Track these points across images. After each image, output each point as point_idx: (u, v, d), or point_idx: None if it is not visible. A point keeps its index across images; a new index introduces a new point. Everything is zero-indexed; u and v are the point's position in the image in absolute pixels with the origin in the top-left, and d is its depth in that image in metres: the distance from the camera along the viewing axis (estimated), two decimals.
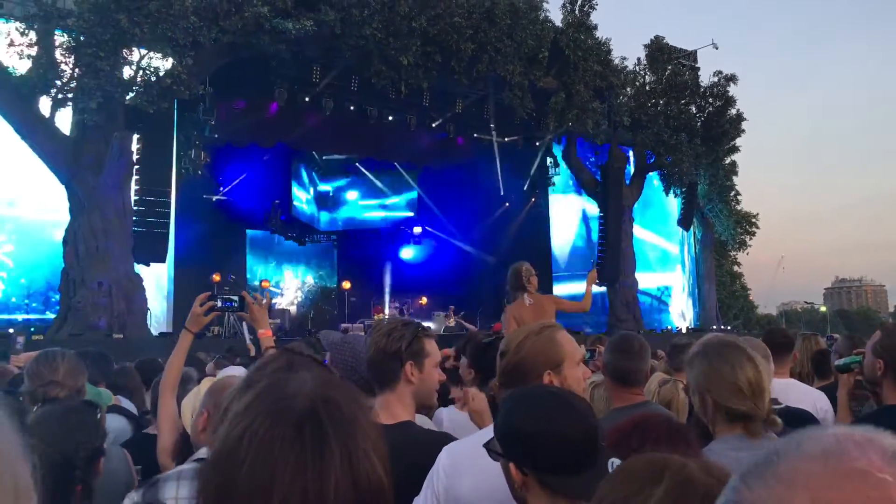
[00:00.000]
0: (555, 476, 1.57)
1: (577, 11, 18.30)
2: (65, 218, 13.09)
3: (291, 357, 2.04)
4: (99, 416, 2.50)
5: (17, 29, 12.05)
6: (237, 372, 4.38)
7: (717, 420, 2.18)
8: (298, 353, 2.04)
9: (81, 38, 11.91)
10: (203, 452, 2.38)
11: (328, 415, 0.99)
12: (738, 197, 25.17)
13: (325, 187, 22.72)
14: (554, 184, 21.49)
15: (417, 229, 22.55)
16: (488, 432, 1.83)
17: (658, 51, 21.27)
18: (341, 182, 22.81)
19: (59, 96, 12.35)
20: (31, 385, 2.92)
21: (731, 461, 2.03)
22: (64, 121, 12.84)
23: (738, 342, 2.26)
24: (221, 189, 18.22)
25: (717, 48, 22.57)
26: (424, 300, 19.42)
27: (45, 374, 2.93)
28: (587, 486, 1.41)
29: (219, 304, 3.35)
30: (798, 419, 2.70)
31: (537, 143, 20.14)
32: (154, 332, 14.20)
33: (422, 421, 2.65)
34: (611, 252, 19.55)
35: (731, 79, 21.99)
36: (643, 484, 1.05)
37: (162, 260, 14.40)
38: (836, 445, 0.60)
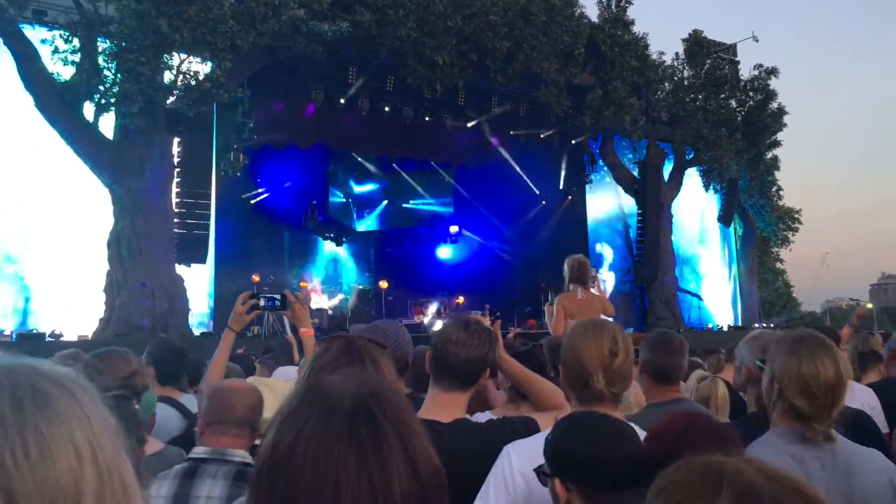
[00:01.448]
0: (599, 493, 1.67)
1: (613, 7, 18.12)
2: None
3: (350, 341, 2.03)
4: (137, 406, 2.58)
5: (60, 36, 12.33)
6: (290, 372, 4.42)
7: (778, 409, 2.15)
8: (359, 338, 2.04)
9: (123, 44, 12.14)
10: (195, 452, 2.50)
11: (378, 408, 1.01)
12: (781, 192, 24.71)
13: (361, 187, 22.82)
14: (591, 181, 21.29)
15: (454, 228, 22.52)
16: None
17: (696, 45, 20.93)
18: (378, 182, 22.89)
19: (102, 101, 12.61)
20: (108, 380, 2.99)
21: (783, 454, 1.99)
22: (107, 125, 13.10)
23: (829, 343, 2.18)
24: (260, 191, 18.41)
25: (757, 41, 22.18)
26: (461, 299, 19.40)
27: (120, 369, 2.99)
28: (628, 501, 1.59)
29: (262, 303, 3.41)
30: (857, 422, 2.62)
31: (573, 141, 19.98)
32: (196, 332, 14.41)
33: None
34: (649, 250, 19.32)
35: (772, 72, 21.55)
36: (700, 495, 1.00)
37: (202, 261, 14.61)
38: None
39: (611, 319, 2.41)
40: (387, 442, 0.97)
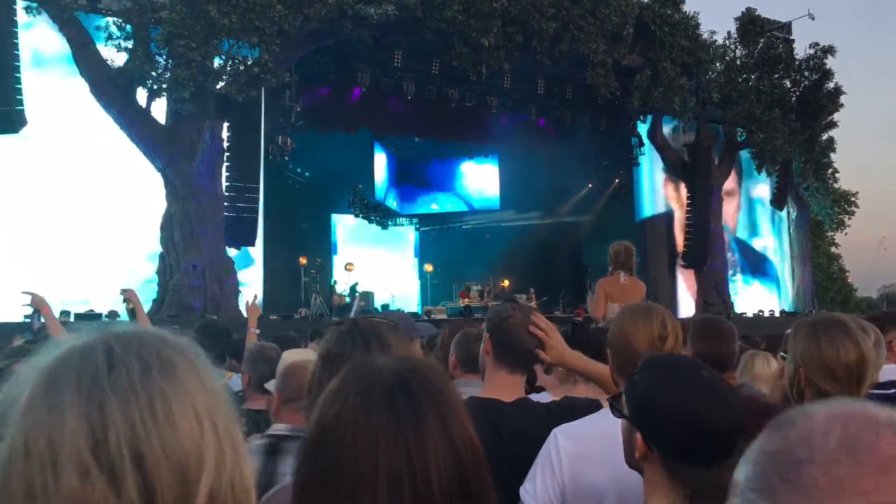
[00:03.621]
0: (683, 464, 1.47)
1: None
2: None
3: (354, 324, 2.03)
4: None
5: (114, 23, 12.61)
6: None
7: (804, 395, 2.13)
8: (364, 319, 2.04)
9: (174, 31, 12.35)
10: (275, 429, 2.50)
11: (417, 383, 1.05)
12: (836, 175, 24.00)
13: (406, 171, 22.91)
14: (638, 164, 20.96)
15: (499, 212, 22.47)
16: (605, 414, 1.79)
17: (750, 23, 20.35)
18: (423, 165, 22.94)
19: (155, 87, 12.88)
20: None
21: None
22: (159, 110, 13.38)
23: (849, 323, 2.18)
24: (307, 174, 18.62)
25: (813, 18, 21.49)
26: (506, 283, 19.38)
27: None
28: (712, 479, 1.38)
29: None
30: None
31: (621, 123, 19.68)
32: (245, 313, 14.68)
33: None
34: (698, 234, 18.98)
35: (829, 50, 20.85)
36: None
37: (252, 244, 14.86)
38: (848, 436, 0.58)
39: (658, 304, 2.37)
40: (424, 415, 1.01)
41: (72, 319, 11.60)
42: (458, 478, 1.00)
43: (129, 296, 3.98)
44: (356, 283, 17.30)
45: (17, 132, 11.88)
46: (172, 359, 0.77)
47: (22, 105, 11.72)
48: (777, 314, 20.26)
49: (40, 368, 0.74)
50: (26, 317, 5.86)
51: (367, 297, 17.36)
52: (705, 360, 2.99)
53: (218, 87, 13.12)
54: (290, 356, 2.75)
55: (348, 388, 1.06)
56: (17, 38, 11.77)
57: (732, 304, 19.91)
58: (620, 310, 2.38)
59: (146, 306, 13.40)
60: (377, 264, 20.80)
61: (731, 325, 3.17)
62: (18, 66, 11.74)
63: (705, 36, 18.61)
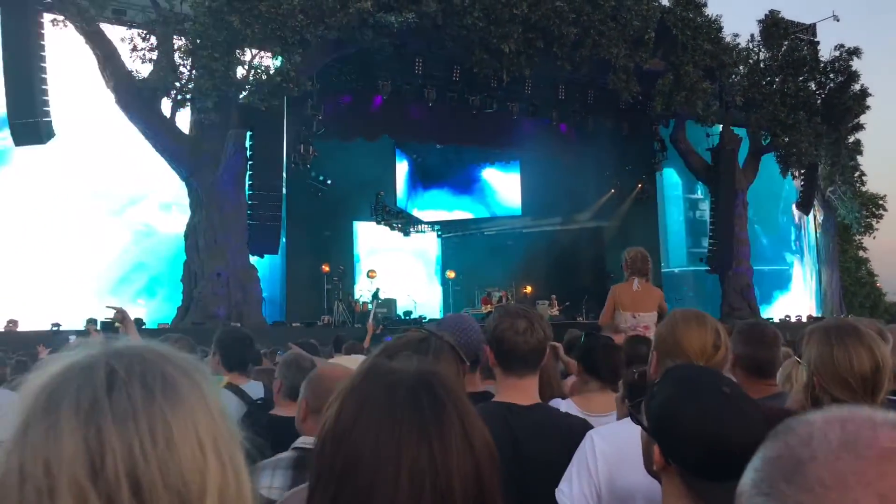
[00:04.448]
0: (701, 479, 1.44)
1: None
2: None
3: (426, 336, 2.05)
4: None
5: (139, 34, 12.78)
6: (349, 361, 4.49)
7: (820, 401, 2.08)
8: (435, 334, 2.06)
9: (198, 41, 12.49)
10: (303, 441, 2.41)
11: (439, 385, 1.06)
12: (864, 178, 23.64)
13: (428, 178, 22.92)
14: (661, 168, 20.81)
15: (521, 218, 22.40)
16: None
17: (773, 26, 20.15)
18: (444, 172, 22.95)
19: (179, 97, 13.03)
20: None
21: None
22: (182, 120, 13.53)
23: (862, 329, 2.13)
24: (329, 182, 18.71)
25: (837, 20, 21.22)
26: (529, 289, 19.30)
27: None
28: (730, 496, 1.32)
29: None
30: None
31: (643, 128, 19.55)
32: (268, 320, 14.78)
33: None
34: (723, 238, 18.79)
35: (855, 52, 20.57)
36: None
37: (275, 252, 14.95)
38: (847, 434, 0.60)
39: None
40: (447, 415, 1.02)
41: (99, 329, 11.74)
42: (476, 479, 1.00)
43: (118, 317, 3.94)
44: (378, 290, 17.33)
45: (44, 143, 12.07)
46: (176, 380, 0.74)
47: (49, 116, 11.90)
48: (804, 319, 19.98)
49: (39, 386, 0.71)
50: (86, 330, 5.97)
51: (390, 304, 17.38)
52: (750, 367, 2.96)
53: (241, 96, 13.24)
54: (322, 365, 2.72)
55: (368, 386, 1.05)
56: (43, 51, 11.96)
57: (759, 308, 19.68)
58: (672, 314, 2.35)
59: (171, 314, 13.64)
60: (399, 271, 20.82)
61: (776, 330, 3.10)
62: (45, 79, 11.93)
63: (728, 39, 18.49)
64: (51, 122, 11.94)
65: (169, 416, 0.71)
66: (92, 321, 11.07)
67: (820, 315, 21.67)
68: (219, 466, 0.73)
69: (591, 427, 2.26)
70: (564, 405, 3.33)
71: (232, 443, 0.76)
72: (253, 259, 14.23)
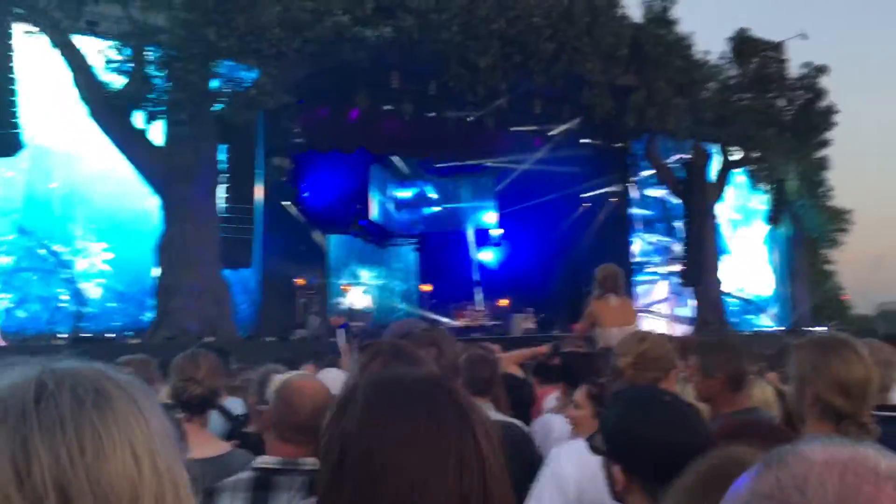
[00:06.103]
0: (663, 484, 1.49)
1: (657, 6, 17.87)
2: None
3: (399, 348, 2.04)
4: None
5: (112, 46, 12.63)
6: (335, 374, 4.47)
7: (810, 414, 2.13)
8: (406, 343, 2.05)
9: (172, 53, 12.37)
10: (263, 461, 2.29)
11: (452, 387, 1.08)
12: (831, 192, 24.07)
13: (404, 192, 22.92)
14: (634, 183, 21.04)
15: (497, 231, 22.48)
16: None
17: (743, 43, 20.50)
18: (420, 185, 22.96)
19: (153, 109, 12.88)
20: (174, 380, 3.05)
21: None
22: (156, 133, 13.37)
23: (853, 341, 2.22)
24: (304, 195, 18.62)
25: (805, 38, 21.63)
26: (506, 302, 19.36)
27: (188, 370, 3.01)
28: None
29: None
30: None
31: (617, 142, 19.76)
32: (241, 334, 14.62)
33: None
34: (694, 251, 19.03)
35: (822, 69, 21.01)
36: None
37: (248, 265, 14.81)
38: (846, 487, 0.53)
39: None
40: (473, 410, 1.03)
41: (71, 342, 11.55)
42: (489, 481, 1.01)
43: None
44: (351, 305, 17.26)
45: (14, 156, 11.87)
46: (110, 392, 0.73)
47: (19, 128, 11.71)
48: (774, 332, 20.26)
49: None
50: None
51: (365, 316, 17.32)
52: (730, 380, 2.96)
53: (215, 109, 13.13)
54: (289, 377, 2.54)
55: (388, 392, 1.04)
56: (13, 62, 11.77)
57: (729, 322, 19.92)
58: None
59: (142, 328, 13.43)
60: (375, 284, 20.77)
61: (741, 343, 3.18)
62: (15, 91, 11.73)
63: (699, 56, 18.77)
64: (19, 133, 11.75)
65: (99, 425, 0.70)
66: None
67: (789, 328, 21.98)
68: (155, 479, 0.71)
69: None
70: (557, 422, 3.34)
71: (172, 458, 0.74)
72: (226, 272, 14.09)
